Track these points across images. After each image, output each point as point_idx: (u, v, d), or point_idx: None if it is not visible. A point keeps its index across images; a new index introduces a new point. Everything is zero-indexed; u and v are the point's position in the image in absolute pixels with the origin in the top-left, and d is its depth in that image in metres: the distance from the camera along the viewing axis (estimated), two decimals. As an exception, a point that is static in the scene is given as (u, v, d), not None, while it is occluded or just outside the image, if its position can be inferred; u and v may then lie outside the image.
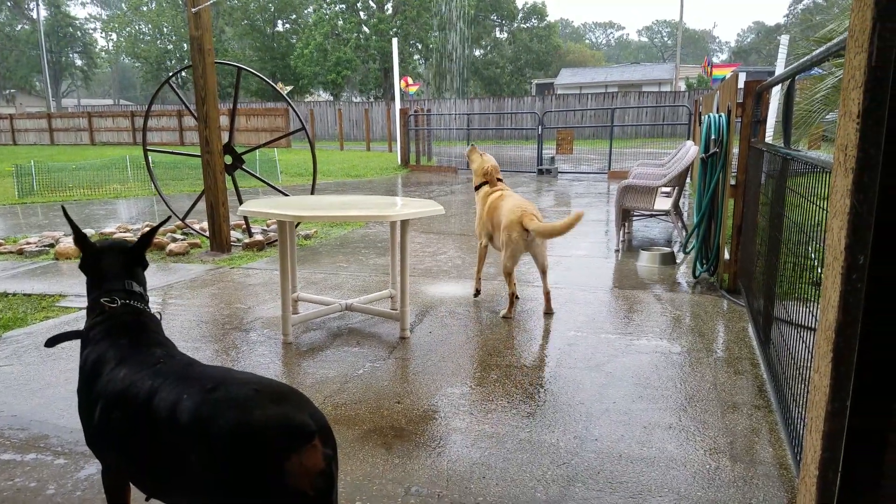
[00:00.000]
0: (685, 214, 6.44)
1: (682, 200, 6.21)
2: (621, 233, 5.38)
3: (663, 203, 5.22)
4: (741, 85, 3.76)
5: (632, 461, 1.97)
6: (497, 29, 43.73)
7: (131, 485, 1.40)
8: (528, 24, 43.46)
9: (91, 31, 52.76)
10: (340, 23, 35.63)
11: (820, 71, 6.25)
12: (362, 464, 1.97)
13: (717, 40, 72.90)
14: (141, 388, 1.25)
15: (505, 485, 1.86)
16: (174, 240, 5.56)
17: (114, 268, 1.53)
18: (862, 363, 1.00)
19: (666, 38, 69.47)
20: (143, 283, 1.59)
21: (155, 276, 4.40)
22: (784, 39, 9.27)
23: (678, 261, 4.78)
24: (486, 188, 3.74)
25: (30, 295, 3.99)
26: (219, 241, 5.20)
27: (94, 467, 1.95)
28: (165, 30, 40.33)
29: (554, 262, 4.61)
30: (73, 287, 4.16)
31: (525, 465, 1.95)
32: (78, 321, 3.39)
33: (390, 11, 36.32)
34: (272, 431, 1.08)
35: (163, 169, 10.88)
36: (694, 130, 10.08)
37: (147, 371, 1.29)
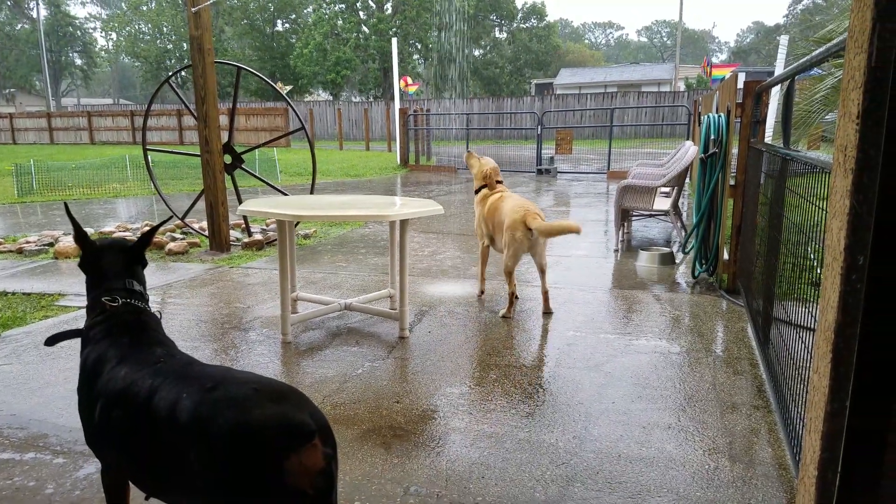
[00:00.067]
0: (684, 214, 6.45)
1: (681, 200, 6.21)
2: (620, 233, 5.38)
3: (662, 203, 5.22)
4: (741, 85, 3.77)
5: (631, 461, 1.97)
6: (496, 29, 43.73)
7: (131, 484, 1.40)
8: (527, 24, 43.47)
9: (91, 31, 52.76)
10: (340, 22, 35.62)
11: (819, 71, 6.26)
12: (361, 463, 1.97)
13: (717, 40, 73.00)
14: (141, 387, 1.25)
15: (504, 485, 1.86)
16: (173, 239, 5.55)
17: (114, 266, 1.53)
18: (861, 363, 1.00)
19: (665, 39, 69.50)
20: (143, 281, 1.59)
21: (154, 276, 4.40)
22: (783, 40, 9.28)
23: (677, 261, 4.78)
24: (485, 191, 3.75)
25: (29, 294, 3.99)
26: (218, 241, 5.19)
27: (93, 466, 1.95)
28: (165, 29, 40.31)
29: (553, 261, 4.61)
30: (72, 286, 4.16)
31: (524, 465, 1.95)
32: (77, 320, 3.38)
33: (390, 11, 36.31)
34: (272, 431, 1.08)
35: (162, 168, 10.87)
36: (693, 130, 10.09)
37: (147, 370, 1.29)
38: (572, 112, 24.21)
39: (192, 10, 4.85)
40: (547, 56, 43.34)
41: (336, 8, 36.17)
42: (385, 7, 36.47)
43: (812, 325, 1.68)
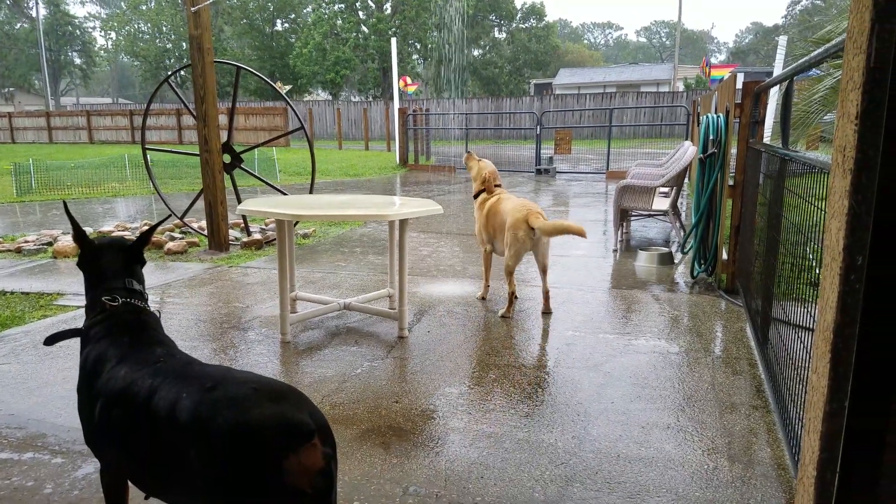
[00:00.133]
0: (683, 214, 6.45)
1: (680, 200, 6.21)
2: (619, 233, 5.38)
3: (661, 203, 5.22)
4: (739, 86, 3.77)
5: (630, 461, 1.97)
6: (495, 29, 43.73)
7: (130, 484, 1.40)
8: (526, 25, 43.47)
9: (90, 30, 52.67)
10: (339, 22, 35.61)
11: (818, 72, 6.27)
12: (360, 463, 1.97)
13: (716, 41, 73.06)
14: (141, 387, 1.25)
15: (503, 485, 1.86)
16: (172, 238, 5.55)
17: (113, 266, 1.53)
18: (860, 364, 1.00)
19: (664, 39, 69.54)
20: (142, 281, 1.58)
21: (153, 275, 4.40)
22: (782, 40, 9.29)
23: (676, 261, 4.78)
24: (483, 195, 3.76)
25: (28, 293, 3.98)
26: (217, 240, 5.19)
27: (91, 466, 1.95)
28: (164, 28, 40.26)
29: (552, 261, 4.61)
30: (70, 285, 4.15)
31: (523, 465, 1.95)
32: (76, 319, 3.38)
33: (389, 11, 36.31)
34: (271, 430, 1.08)
35: (161, 167, 10.86)
36: (692, 131, 10.09)
37: (147, 369, 1.29)
38: (571, 112, 24.22)
39: (192, 9, 4.85)
40: (546, 56, 43.35)
41: (335, 8, 36.16)
42: (384, 7, 36.46)
43: (811, 325, 1.68)
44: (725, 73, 13.56)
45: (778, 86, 3.35)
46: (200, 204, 5.45)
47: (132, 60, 45.70)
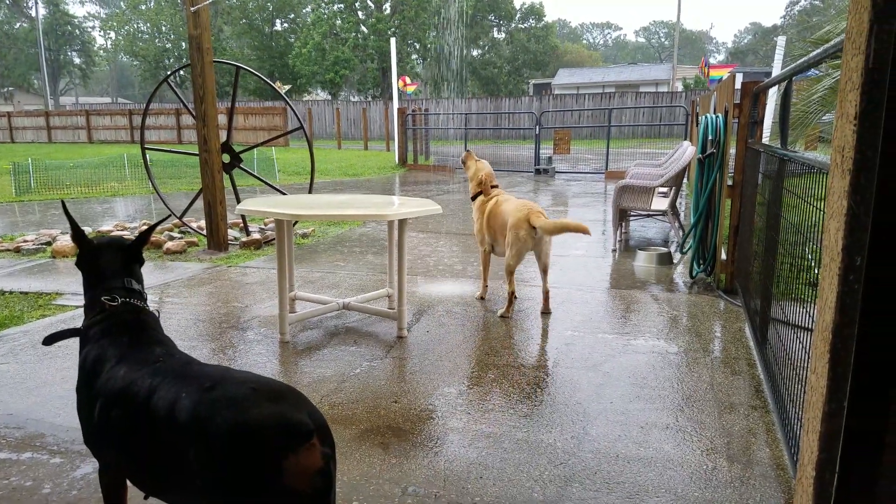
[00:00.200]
0: (682, 215, 6.45)
1: (678, 201, 6.22)
2: (618, 233, 5.38)
3: (660, 203, 5.23)
4: (738, 86, 3.77)
5: (629, 461, 1.97)
6: (495, 29, 43.72)
7: (129, 484, 1.40)
8: (525, 25, 43.47)
9: (89, 30, 52.61)
10: (339, 22, 35.59)
11: (817, 72, 6.27)
12: (359, 463, 1.97)
13: (714, 41, 73.10)
14: (140, 387, 1.25)
15: (502, 485, 1.86)
16: (171, 238, 5.54)
17: (112, 265, 1.53)
18: (859, 364, 1.01)
19: (663, 39, 69.58)
20: (141, 280, 1.58)
21: (152, 275, 4.39)
22: (781, 41, 9.30)
23: (675, 261, 4.79)
24: (481, 198, 3.76)
25: (26, 293, 3.98)
26: (216, 240, 5.19)
27: (90, 466, 1.94)
28: (164, 28, 40.22)
29: (551, 261, 4.61)
30: (69, 285, 4.14)
31: (522, 465, 1.95)
32: (75, 319, 3.38)
33: (388, 11, 36.30)
34: (270, 430, 1.08)
35: (160, 167, 10.85)
36: (691, 131, 10.10)
37: (147, 369, 1.29)
38: (570, 112, 24.23)
39: (191, 9, 4.84)
40: (545, 56, 43.36)
41: (335, 8, 36.14)
42: (384, 7, 36.45)
43: (809, 326, 1.68)
44: (724, 74, 13.57)
45: (777, 86, 3.36)
46: (199, 204, 5.44)
47: (131, 60, 45.65)
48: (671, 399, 2.42)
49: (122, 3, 47.27)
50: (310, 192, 5.94)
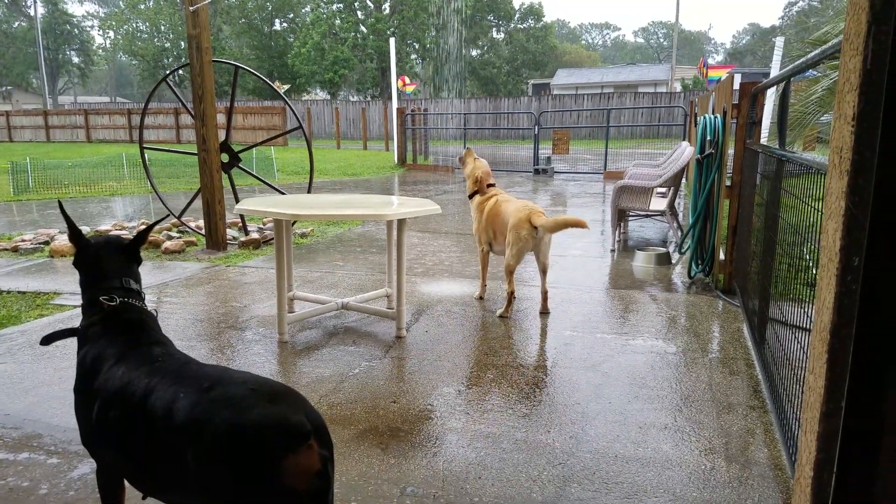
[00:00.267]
0: (680, 215, 6.46)
1: (677, 201, 6.23)
2: (617, 233, 5.39)
3: (659, 203, 5.23)
4: (737, 86, 3.78)
5: (627, 461, 1.97)
6: (494, 29, 43.73)
7: (126, 484, 1.40)
8: (524, 25, 43.48)
9: (88, 29, 52.53)
10: (338, 22, 35.57)
11: (815, 73, 6.28)
12: (357, 464, 1.97)
13: (713, 42, 73.19)
14: (138, 387, 1.25)
15: (501, 485, 1.86)
16: (170, 238, 5.53)
17: (110, 265, 1.52)
18: (857, 364, 1.01)
19: (662, 40, 69.64)
20: (139, 280, 1.58)
21: (150, 275, 4.39)
22: (779, 41, 9.32)
23: (674, 261, 4.79)
24: (479, 197, 3.76)
25: (24, 293, 3.97)
26: (215, 240, 5.18)
27: (87, 466, 1.94)
28: (163, 27, 40.16)
29: (550, 261, 4.61)
30: (67, 285, 4.14)
31: (521, 466, 1.96)
32: (73, 319, 3.37)
33: (388, 11, 36.29)
34: (268, 431, 1.08)
35: (159, 167, 10.83)
36: (689, 131, 10.11)
37: (145, 369, 1.29)
38: (569, 112, 24.24)
39: (190, 8, 4.84)
40: (544, 56, 43.37)
41: (334, 7, 36.12)
42: (383, 7, 36.44)
43: (807, 326, 1.68)
44: (723, 74, 13.59)
45: (775, 87, 3.36)
46: (198, 203, 5.44)
47: (130, 59, 45.57)
48: (670, 399, 2.42)
49: (120, 3, 47.18)
50: (309, 191, 5.93)
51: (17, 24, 46.72)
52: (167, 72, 5.96)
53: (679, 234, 5.25)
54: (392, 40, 14.85)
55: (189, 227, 5.90)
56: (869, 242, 0.97)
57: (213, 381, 1.19)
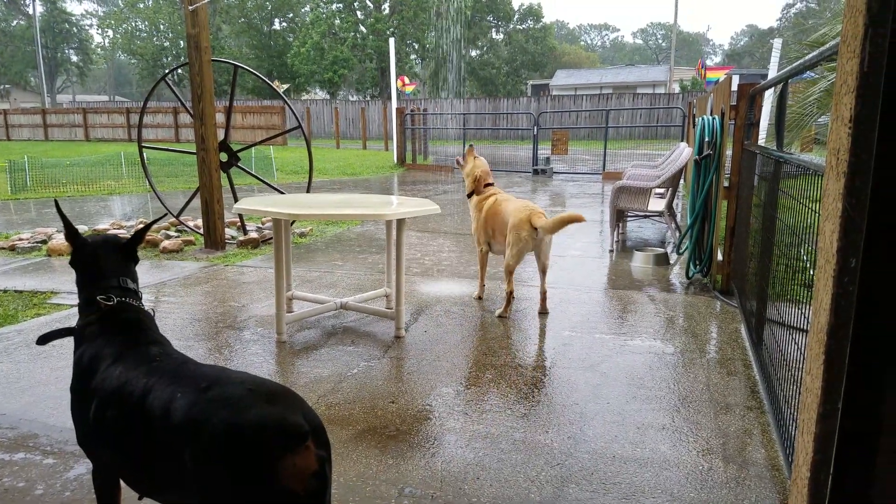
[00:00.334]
0: (678, 216, 6.47)
1: (675, 202, 6.23)
2: (615, 233, 5.39)
3: (657, 204, 5.24)
4: (735, 88, 3.79)
5: (625, 462, 1.98)
6: (493, 30, 43.74)
7: (123, 485, 1.39)
8: (523, 26, 43.50)
9: (87, 28, 52.42)
10: (337, 22, 35.55)
11: (813, 75, 6.30)
12: (355, 464, 1.97)
13: (711, 43, 73.24)
14: (136, 386, 1.24)
15: (499, 486, 1.86)
16: (168, 237, 5.53)
17: (107, 264, 1.52)
18: (854, 366, 1.01)
19: (660, 41, 69.73)
20: (136, 279, 1.58)
21: (148, 274, 4.38)
22: (777, 43, 9.34)
23: (671, 262, 4.80)
24: (477, 196, 3.76)
25: (21, 292, 3.96)
26: (213, 239, 5.17)
27: (83, 467, 1.93)
28: (162, 27, 40.10)
29: (549, 261, 4.62)
30: (65, 284, 4.13)
31: (519, 466, 1.96)
32: (70, 318, 3.36)
33: (387, 11, 36.29)
34: (266, 431, 1.08)
35: (158, 166, 10.81)
36: (688, 132, 10.12)
37: (142, 369, 1.28)
38: (568, 113, 24.26)
39: (190, 7, 4.83)
40: (543, 57, 43.39)
41: (333, 7, 36.10)
42: (382, 7, 36.43)
43: (804, 327, 1.69)
44: (721, 76, 13.61)
45: (773, 88, 3.37)
46: (196, 202, 5.43)
47: (129, 58, 45.48)
48: (667, 399, 2.42)
49: (119, 1, 47.08)
50: (308, 191, 5.93)
51: (15, 22, 46.62)
52: (166, 71, 5.95)
53: (677, 234, 5.25)
54: (391, 40, 14.85)
55: (187, 227, 5.89)
56: (867, 244, 0.97)
57: (210, 381, 1.19)
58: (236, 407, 1.11)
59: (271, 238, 5.41)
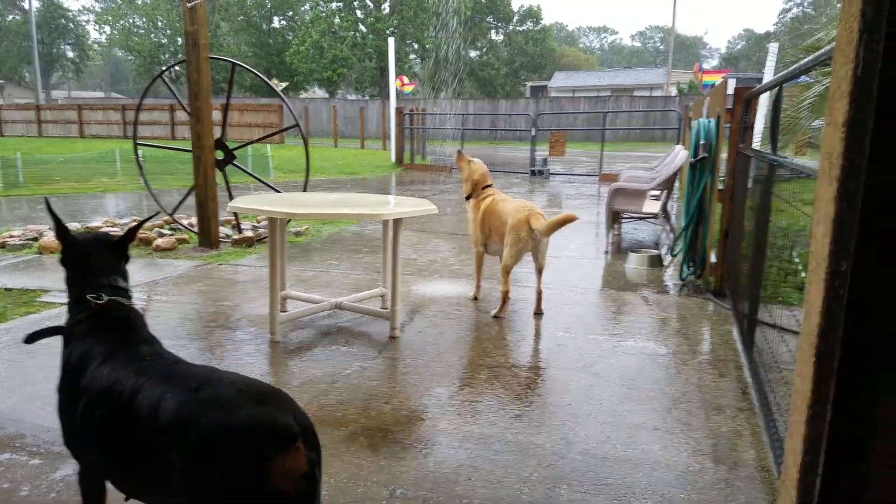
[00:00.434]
0: (673, 218, 6.49)
1: (670, 204, 6.25)
2: (611, 234, 5.41)
3: (652, 206, 5.26)
4: (731, 91, 3.80)
5: (617, 463, 1.98)
6: (493, 31, 43.79)
7: (109, 486, 1.38)
8: (523, 27, 43.57)
9: (84, 24, 52.18)
10: (337, 21, 35.50)
11: (807, 79, 6.33)
12: (347, 465, 1.96)
13: (708, 46, 73.48)
14: (125, 386, 1.23)
15: (491, 487, 1.85)
16: (161, 235, 5.50)
17: (98, 262, 1.51)
18: (844, 368, 1.01)
19: (658, 44, 69.96)
20: (127, 278, 1.57)
21: (141, 272, 4.35)
22: (773, 47, 9.39)
23: (666, 263, 4.81)
24: (475, 199, 3.76)
25: (10, 289, 3.93)
26: (207, 237, 5.15)
27: (69, 468, 1.92)
28: (160, 23, 39.92)
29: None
30: (56, 282, 4.10)
31: (511, 467, 1.95)
32: (61, 317, 3.33)
33: (387, 11, 36.26)
34: (256, 432, 1.07)
35: (153, 163, 10.76)
36: (684, 135, 10.16)
37: (132, 368, 1.27)
38: (566, 115, 24.31)
39: (188, 4, 4.81)
40: (542, 59, 43.46)
41: (333, 6, 36.05)
42: (382, 7, 36.41)
43: (795, 329, 1.69)
44: (717, 79, 13.67)
45: (768, 92, 3.38)
46: (191, 200, 5.40)
47: (126, 55, 45.29)
48: (660, 401, 2.42)
49: (117, -2, 46.86)
50: (304, 189, 5.92)
51: (10, 17, 46.32)
52: (163, 68, 5.93)
53: (671, 236, 5.27)
54: (391, 40, 14.84)
55: (181, 225, 5.87)
56: (860, 248, 0.97)
57: (201, 382, 1.18)
58: (227, 407, 1.10)
59: (266, 237, 5.39)
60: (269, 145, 13.61)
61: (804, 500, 1.10)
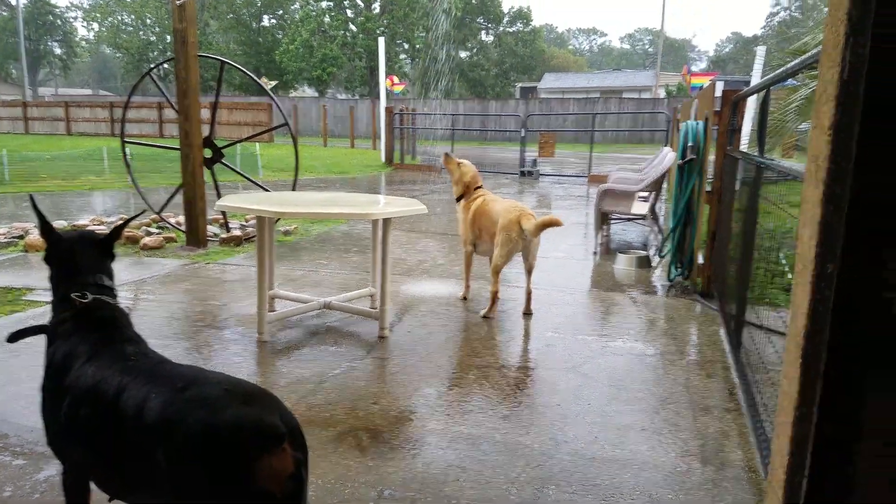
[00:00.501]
0: (661, 219, 6.54)
1: (658, 205, 6.30)
2: (599, 235, 5.43)
3: (640, 207, 5.29)
4: (719, 94, 3.84)
5: (605, 463, 1.98)
6: (483, 32, 43.88)
7: (93, 487, 1.36)
8: (513, 28, 43.71)
9: (72, 20, 51.40)
10: (327, 20, 35.35)
11: (794, 82, 6.41)
12: (335, 466, 1.95)
13: (697, 49, 74.21)
14: (110, 385, 1.22)
15: (479, 487, 1.85)
16: (149, 233, 5.43)
17: (83, 260, 1.48)
18: (830, 370, 1.02)
19: (647, 46, 70.52)
20: (112, 276, 1.54)
21: (128, 271, 4.30)
22: (760, 51, 9.51)
23: (654, 264, 4.84)
24: (465, 200, 3.76)
25: (-5, 288, 3.85)
26: (195, 236, 5.10)
27: (53, 468, 1.88)
28: (148, 21, 39.45)
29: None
30: (41, 280, 4.03)
31: (500, 467, 1.95)
32: (46, 316, 3.28)
33: (377, 10, 36.18)
34: (242, 432, 1.06)
35: (141, 161, 10.63)
36: (672, 137, 10.24)
37: (117, 367, 1.26)
38: (555, 116, 24.41)
39: (177, 2, 4.76)
40: (532, 60, 43.62)
41: (323, 5, 35.90)
42: (373, 6, 36.31)
43: (782, 330, 1.71)
44: (706, 82, 13.81)
45: (755, 95, 3.42)
46: (179, 199, 5.34)
47: (114, 52, 44.69)
48: (647, 401, 2.44)
49: (105, -6, 46.24)
50: (293, 188, 5.88)
51: (-4, 13, 45.53)
52: (152, 66, 5.86)
53: (660, 237, 5.31)
54: (381, 39, 14.79)
55: (169, 223, 5.80)
56: (847, 251, 0.98)
57: (187, 381, 1.17)
58: (213, 407, 1.09)
59: (255, 236, 5.35)
60: (258, 144, 13.51)
61: (791, 501, 1.10)
